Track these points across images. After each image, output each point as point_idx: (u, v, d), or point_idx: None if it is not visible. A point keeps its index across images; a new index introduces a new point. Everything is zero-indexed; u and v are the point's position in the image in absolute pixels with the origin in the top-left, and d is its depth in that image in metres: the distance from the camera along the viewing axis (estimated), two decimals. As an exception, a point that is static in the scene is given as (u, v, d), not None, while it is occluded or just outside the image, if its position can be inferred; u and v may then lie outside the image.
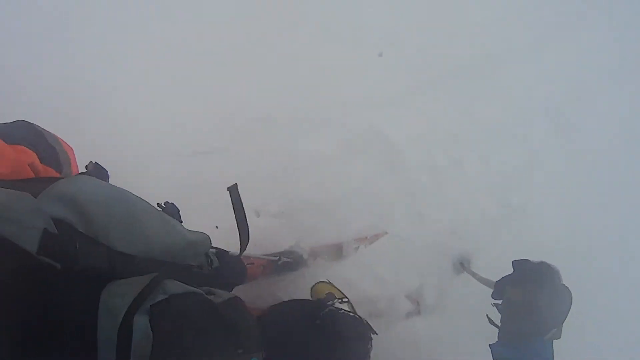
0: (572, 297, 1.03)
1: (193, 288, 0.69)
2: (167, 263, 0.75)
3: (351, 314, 1.28)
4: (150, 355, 0.54)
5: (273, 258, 1.72)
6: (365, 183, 1.81)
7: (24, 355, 0.48)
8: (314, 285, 1.65)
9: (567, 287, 1.04)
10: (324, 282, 1.65)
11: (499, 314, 1.12)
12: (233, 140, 1.82)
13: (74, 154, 0.99)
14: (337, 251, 1.79)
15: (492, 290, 1.21)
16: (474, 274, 1.60)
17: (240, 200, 0.98)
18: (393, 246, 1.78)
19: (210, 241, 0.90)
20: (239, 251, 1.05)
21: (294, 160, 1.79)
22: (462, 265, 1.80)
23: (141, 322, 0.56)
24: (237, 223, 0.99)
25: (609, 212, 1.92)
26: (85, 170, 0.84)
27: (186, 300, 0.65)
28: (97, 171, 0.85)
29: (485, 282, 1.41)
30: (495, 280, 1.22)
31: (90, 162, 0.86)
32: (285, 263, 1.76)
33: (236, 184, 0.98)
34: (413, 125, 1.90)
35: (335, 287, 1.64)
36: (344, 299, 1.57)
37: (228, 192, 0.98)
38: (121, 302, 0.56)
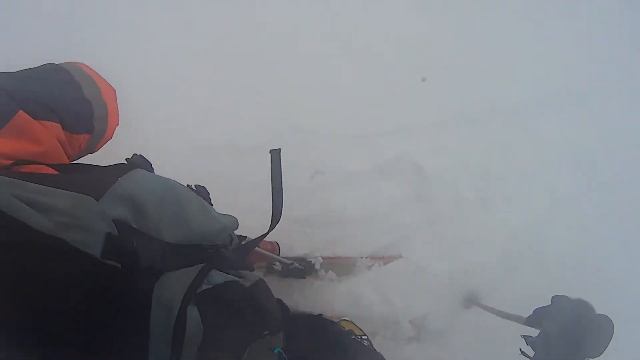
0: (613, 326, 1.05)
1: (231, 276, 0.72)
2: (204, 248, 0.77)
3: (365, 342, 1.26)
4: (200, 345, 0.58)
5: (286, 261, 1.76)
6: (389, 206, 1.84)
7: (82, 352, 0.50)
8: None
9: (606, 316, 1.06)
10: (346, 320, 1.69)
11: (528, 345, 1.14)
12: (267, 142, 1.87)
13: (115, 99, 0.96)
14: (350, 266, 1.82)
15: (505, 321, 1.31)
16: (485, 307, 1.61)
17: (280, 167, 0.96)
18: (406, 271, 1.81)
19: (238, 223, 0.91)
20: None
21: (323, 172, 1.84)
22: (471, 300, 1.81)
23: (194, 313, 0.59)
24: (272, 193, 0.98)
25: (634, 269, 1.90)
26: (132, 161, 0.83)
27: (227, 289, 0.68)
28: (143, 163, 0.84)
29: (501, 314, 1.44)
30: (510, 312, 1.29)
31: (135, 154, 0.86)
32: (297, 269, 1.80)
33: (280, 149, 0.95)
34: (445, 157, 1.92)
35: (356, 325, 1.66)
36: (363, 337, 1.60)
37: (270, 155, 0.96)
38: (173, 294, 0.59)
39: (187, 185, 0.88)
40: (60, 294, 0.48)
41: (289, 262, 1.77)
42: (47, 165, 0.75)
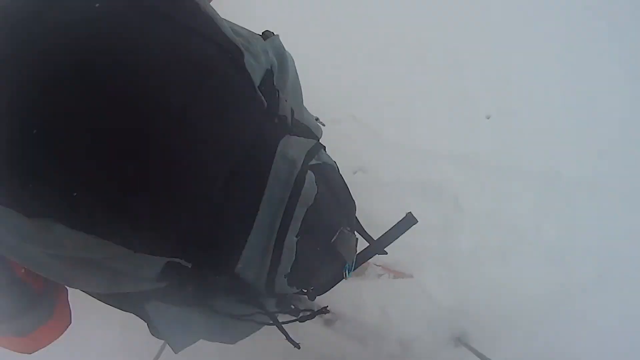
0: None
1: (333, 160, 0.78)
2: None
3: None
4: (310, 206, 0.61)
5: None
6: (417, 226, 1.83)
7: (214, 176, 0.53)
8: None
9: None
10: None
11: None
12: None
13: None
14: (362, 269, 1.84)
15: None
16: (475, 351, 1.63)
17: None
18: (412, 292, 1.83)
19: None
20: None
21: (367, 173, 1.85)
22: (461, 340, 1.83)
23: (311, 175, 0.63)
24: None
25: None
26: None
27: (334, 169, 0.73)
28: None
29: None
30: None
31: (267, 31, 0.86)
32: None
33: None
34: (484, 200, 1.92)
35: None
36: None
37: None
38: (295, 153, 0.62)
39: None
40: (224, 97, 0.53)
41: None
42: None
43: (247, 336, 0.76)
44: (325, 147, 0.78)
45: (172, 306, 0.60)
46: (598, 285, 1.99)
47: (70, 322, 0.70)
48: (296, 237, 0.60)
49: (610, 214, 2.02)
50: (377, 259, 1.85)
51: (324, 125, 1.73)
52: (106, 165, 0.43)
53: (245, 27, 0.64)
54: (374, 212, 1.82)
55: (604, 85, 2.16)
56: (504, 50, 2.18)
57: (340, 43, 2.13)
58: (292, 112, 0.72)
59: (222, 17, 0.58)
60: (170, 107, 0.46)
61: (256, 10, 2.10)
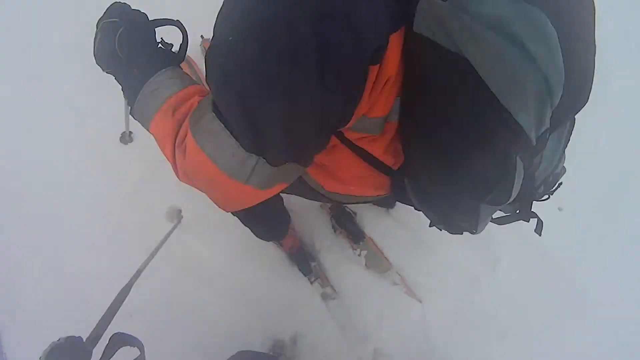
0: None
1: None
2: None
3: None
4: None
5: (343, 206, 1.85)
6: (456, 265, 1.86)
7: None
8: None
9: None
10: None
11: None
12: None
13: None
14: (384, 267, 1.81)
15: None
16: None
17: None
18: (412, 314, 1.81)
19: None
20: None
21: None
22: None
23: None
24: None
25: None
26: None
27: None
28: None
29: None
30: None
31: None
32: (344, 223, 1.84)
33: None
34: (518, 279, 1.88)
35: None
36: None
37: None
38: None
39: None
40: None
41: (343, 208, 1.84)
42: None
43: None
44: None
45: None
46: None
47: None
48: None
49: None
50: (404, 267, 1.84)
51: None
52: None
53: None
54: (422, 232, 1.81)
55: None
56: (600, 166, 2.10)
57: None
58: None
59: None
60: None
61: None
